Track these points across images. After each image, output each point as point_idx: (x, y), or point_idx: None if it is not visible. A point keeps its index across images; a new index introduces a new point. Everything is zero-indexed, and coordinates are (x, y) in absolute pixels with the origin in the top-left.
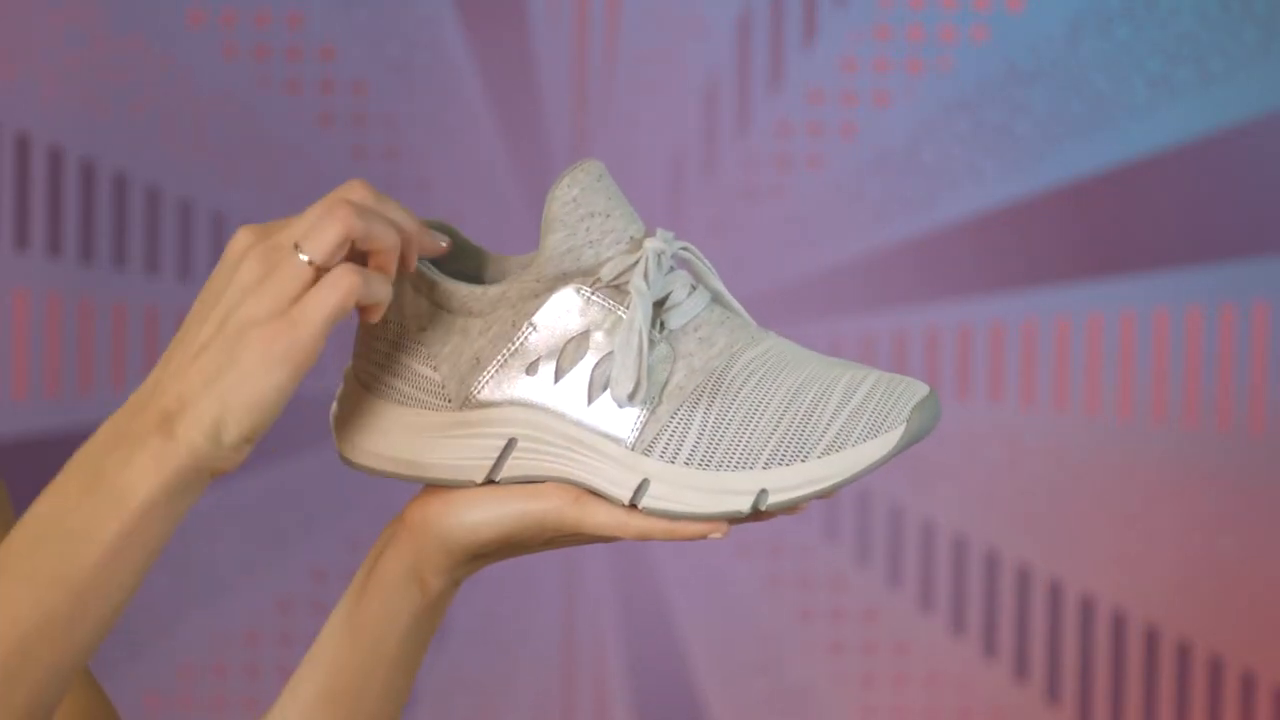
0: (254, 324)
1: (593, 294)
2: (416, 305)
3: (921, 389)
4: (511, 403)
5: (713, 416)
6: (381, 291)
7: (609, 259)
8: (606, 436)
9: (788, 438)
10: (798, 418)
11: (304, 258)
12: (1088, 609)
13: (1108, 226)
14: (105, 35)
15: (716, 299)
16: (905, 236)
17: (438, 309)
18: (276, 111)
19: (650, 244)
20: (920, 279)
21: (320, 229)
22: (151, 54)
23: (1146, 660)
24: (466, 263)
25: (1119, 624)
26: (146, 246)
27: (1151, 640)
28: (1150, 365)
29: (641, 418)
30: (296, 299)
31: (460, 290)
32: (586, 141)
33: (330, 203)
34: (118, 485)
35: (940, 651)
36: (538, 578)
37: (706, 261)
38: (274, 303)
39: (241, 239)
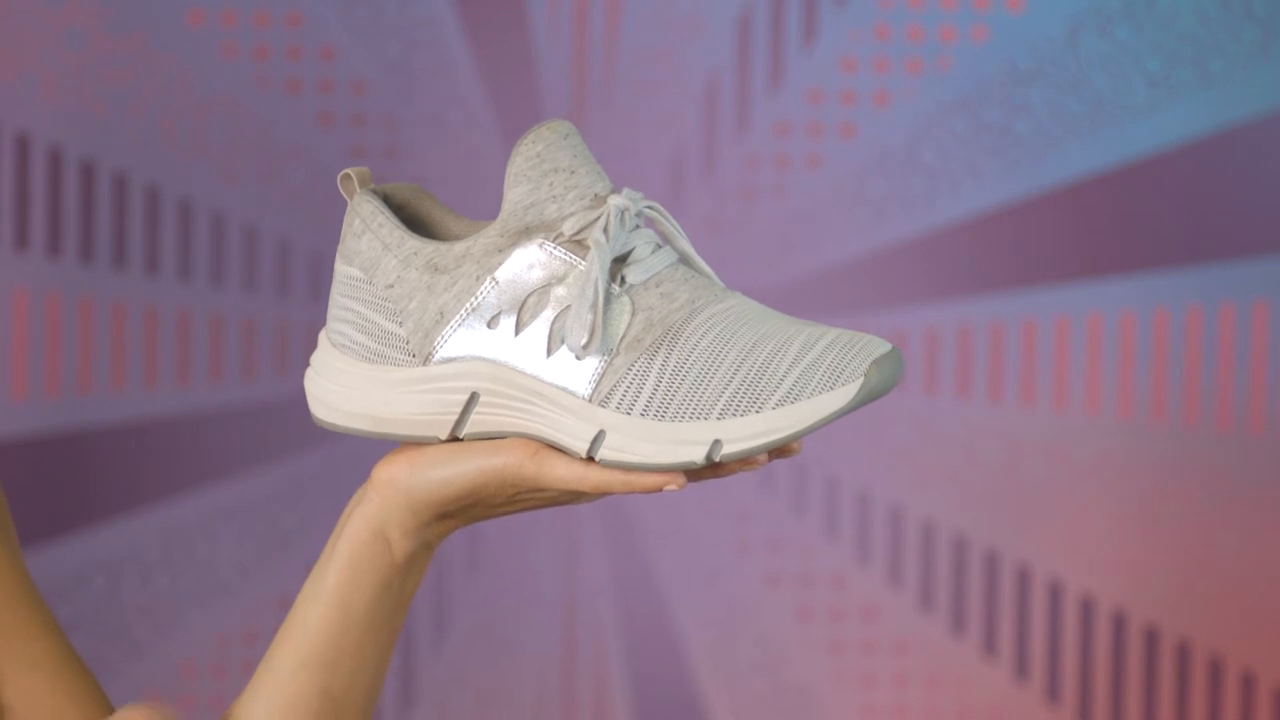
0: None
1: (554, 248)
2: (385, 263)
3: (882, 345)
4: (473, 357)
5: (669, 368)
6: None
7: (571, 214)
8: (564, 389)
9: (743, 389)
10: (754, 370)
11: None
12: (1088, 609)
13: (1108, 226)
14: (105, 35)
15: (684, 260)
16: (905, 236)
17: (405, 266)
18: (276, 111)
19: (614, 200)
20: (920, 279)
21: None
22: (151, 54)
23: (1146, 660)
24: (441, 228)
25: (1119, 624)
26: (146, 246)
27: (1151, 640)
28: (1150, 365)
29: (599, 369)
30: None
31: (426, 247)
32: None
33: None
34: None
35: (940, 651)
36: (538, 577)
37: (675, 222)
38: None
39: None
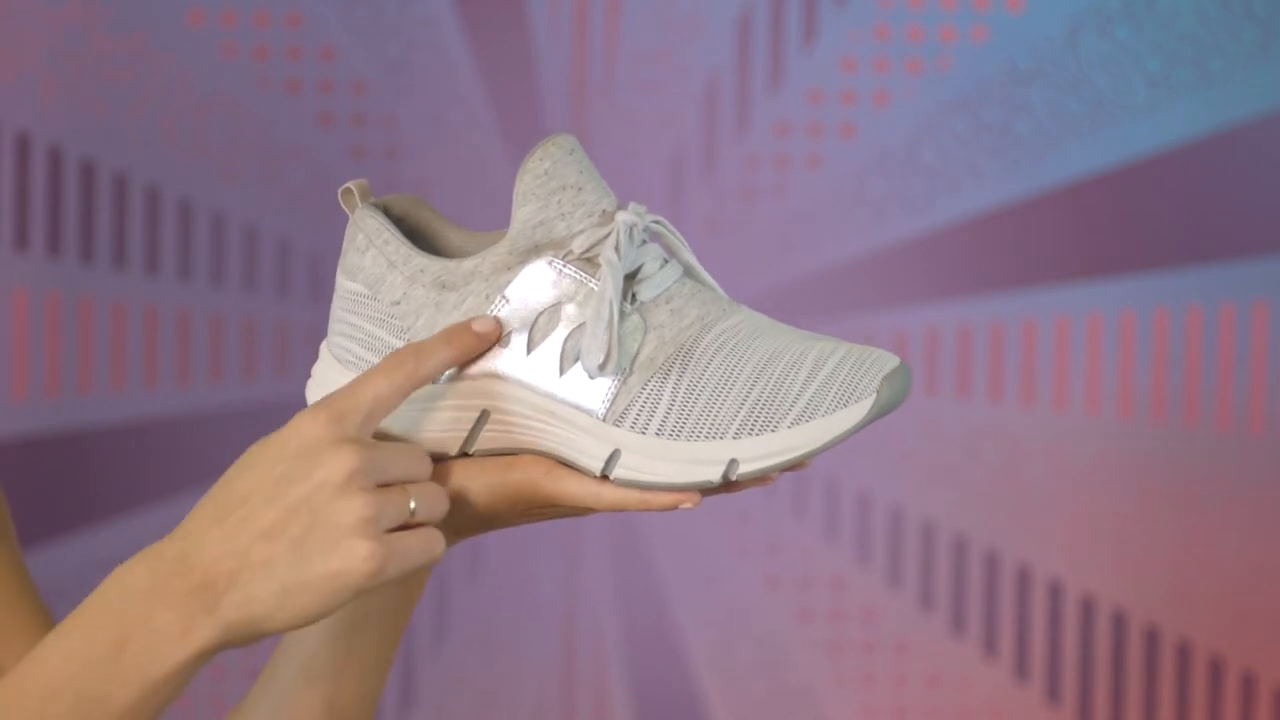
0: (339, 537)
1: (564, 266)
2: (390, 279)
3: (891, 360)
4: (484, 375)
5: (683, 387)
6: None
7: (581, 231)
8: (578, 408)
9: (758, 408)
10: (768, 388)
11: (413, 505)
12: (1088, 609)
13: (1108, 226)
14: (105, 35)
15: (689, 272)
16: (905, 236)
17: (412, 283)
18: (276, 111)
19: (622, 216)
20: (920, 279)
21: (437, 499)
22: (151, 54)
23: (1146, 660)
24: (440, 239)
25: (1119, 624)
26: (146, 246)
27: (1151, 640)
28: (1150, 365)
29: (613, 389)
30: (387, 532)
31: (434, 264)
32: (586, 141)
33: (426, 461)
34: (145, 652)
35: (940, 651)
36: (538, 579)
37: (679, 235)
38: (371, 526)
39: (314, 428)
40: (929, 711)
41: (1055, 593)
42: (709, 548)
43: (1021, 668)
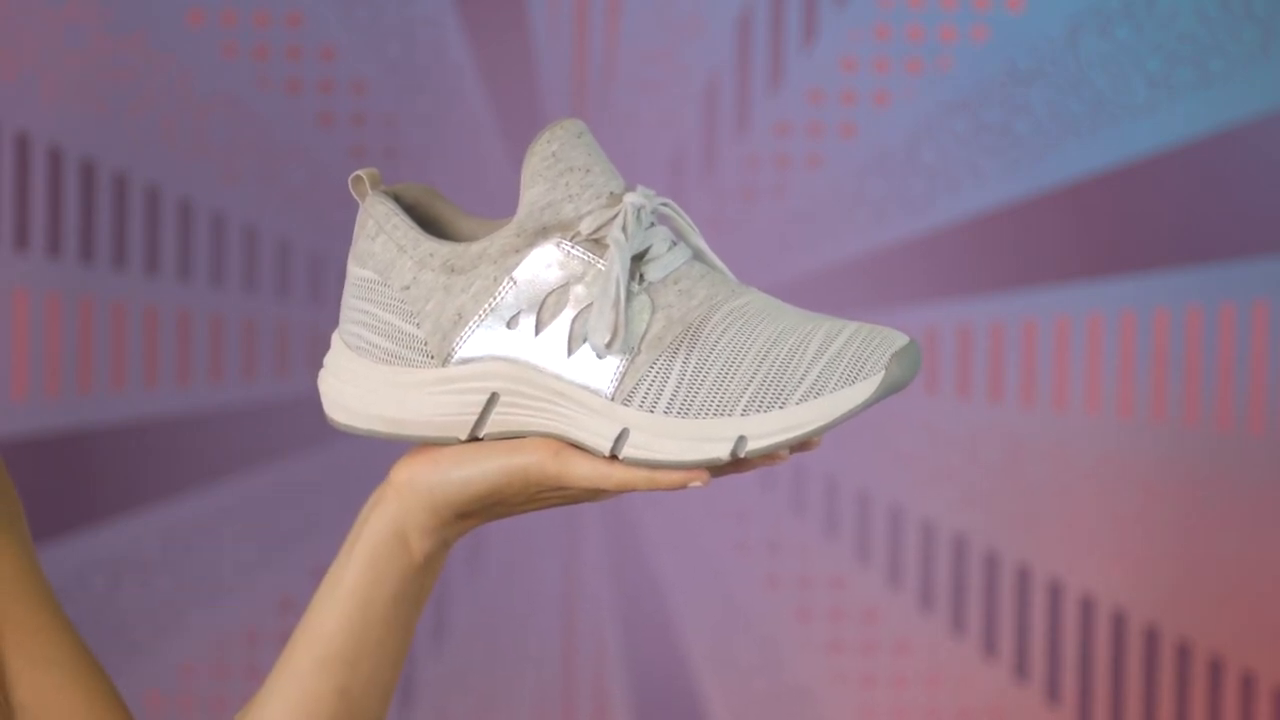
0: None
1: (572, 247)
2: (400, 264)
3: (901, 338)
4: (493, 357)
5: (691, 365)
6: None
7: (588, 213)
8: (586, 388)
9: (766, 384)
10: (776, 365)
11: None
12: (1088, 609)
13: (1108, 226)
14: (105, 35)
15: (698, 256)
16: (905, 236)
17: (421, 267)
18: (276, 111)
19: (630, 198)
20: (920, 279)
21: None
22: (151, 54)
23: (1146, 660)
24: (452, 228)
25: (1119, 624)
26: (146, 246)
27: (1151, 640)
28: (1150, 365)
29: (620, 368)
30: None
31: (443, 248)
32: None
33: None
34: None
35: (940, 651)
36: (538, 578)
37: (688, 219)
38: None
39: None
40: (929, 711)
41: (1055, 593)
42: (709, 546)
43: (1021, 668)
